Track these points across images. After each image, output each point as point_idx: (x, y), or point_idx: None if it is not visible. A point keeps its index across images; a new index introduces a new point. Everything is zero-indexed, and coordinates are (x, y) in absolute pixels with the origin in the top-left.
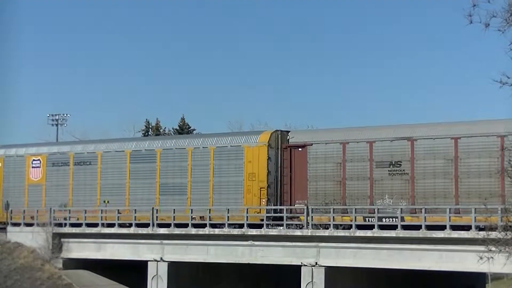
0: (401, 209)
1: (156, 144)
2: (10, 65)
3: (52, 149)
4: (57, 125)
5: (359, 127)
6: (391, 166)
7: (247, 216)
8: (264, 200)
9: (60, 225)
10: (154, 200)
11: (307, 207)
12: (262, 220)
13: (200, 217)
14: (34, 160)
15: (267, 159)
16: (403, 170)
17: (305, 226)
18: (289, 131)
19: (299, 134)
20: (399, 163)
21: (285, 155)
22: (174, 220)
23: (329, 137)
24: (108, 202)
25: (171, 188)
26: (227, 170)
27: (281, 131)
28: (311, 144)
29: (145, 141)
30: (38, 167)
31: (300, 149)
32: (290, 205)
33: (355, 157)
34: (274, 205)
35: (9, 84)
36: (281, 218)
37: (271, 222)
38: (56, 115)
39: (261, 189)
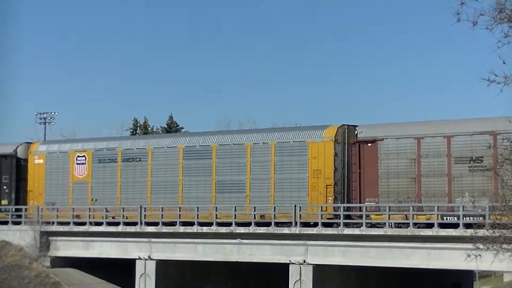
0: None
1: (212, 139)
2: None
3: (99, 145)
4: (45, 123)
5: (435, 121)
6: (472, 162)
7: (321, 215)
8: (330, 198)
9: (48, 223)
10: (210, 198)
11: (295, 206)
12: (330, 218)
13: (261, 216)
14: (79, 156)
15: (334, 155)
16: (485, 166)
17: (293, 224)
18: (357, 126)
19: (368, 128)
20: (480, 158)
21: (353, 150)
22: (235, 218)
23: (402, 132)
24: (96, 200)
25: (228, 186)
26: (289, 166)
27: (348, 125)
28: (382, 139)
29: (199, 137)
30: (83, 163)
31: (369, 144)
32: (359, 203)
33: (431, 153)
34: (341, 203)
35: None
36: (349, 217)
37: (338, 221)
38: (44, 113)
39: (328, 186)
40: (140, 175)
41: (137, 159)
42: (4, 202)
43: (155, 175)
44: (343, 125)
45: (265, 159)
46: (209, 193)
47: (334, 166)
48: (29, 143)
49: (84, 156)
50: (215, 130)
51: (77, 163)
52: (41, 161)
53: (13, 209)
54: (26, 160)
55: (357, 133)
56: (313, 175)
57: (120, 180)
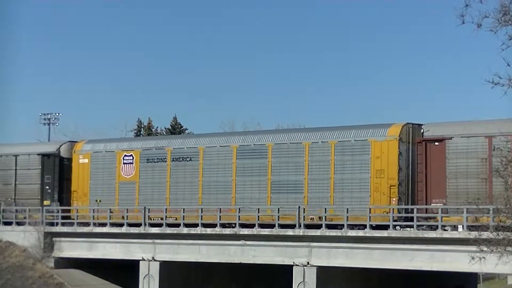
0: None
1: (267, 138)
2: (1, 64)
3: (147, 144)
4: (49, 124)
5: (507, 119)
6: None
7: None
8: (394, 199)
9: (52, 224)
10: (265, 199)
11: (299, 207)
12: (396, 220)
13: (319, 218)
14: (126, 155)
15: (398, 155)
16: None
17: (297, 225)
18: (423, 124)
19: (435, 127)
20: None
21: (419, 150)
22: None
23: (471, 130)
24: (100, 201)
25: (285, 186)
26: (350, 166)
27: (413, 124)
28: (450, 138)
29: (254, 135)
30: (130, 163)
31: (437, 143)
32: (426, 204)
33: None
34: (405, 205)
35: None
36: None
37: (402, 223)
38: (48, 114)
39: (391, 187)
40: (190, 175)
41: (188, 159)
42: (46, 202)
43: (207, 175)
44: (407, 123)
45: (324, 158)
46: (264, 194)
47: (398, 165)
48: (72, 142)
49: (131, 155)
50: (270, 129)
51: (124, 163)
52: (86, 160)
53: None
54: (69, 160)
55: (423, 132)
56: (375, 175)
57: (169, 180)
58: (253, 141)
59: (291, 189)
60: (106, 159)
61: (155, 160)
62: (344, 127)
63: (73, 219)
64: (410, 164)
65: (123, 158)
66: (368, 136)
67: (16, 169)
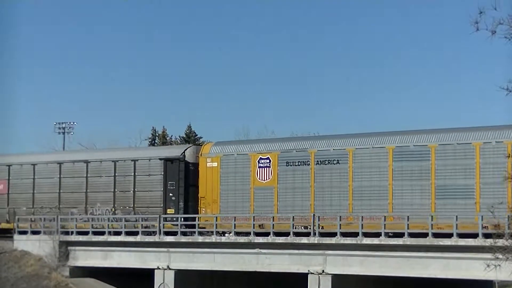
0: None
1: (429, 138)
2: (18, 73)
3: (286, 145)
4: (63, 133)
5: None
6: None
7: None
8: None
9: (67, 233)
10: (428, 205)
11: (314, 214)
12: None
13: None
14: (261, 158)
15: None
16: None
17: (312, 234)
18: None
19: None
20: None
21: None
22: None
23: None
24: (114, 210)
25: (452, 191)
26: None
27: None
28: None
29: (413, 135)
30: (267, 166)
31: None
32: None
33: None
34: None
35: (15, 92)
36: None
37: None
38: (62, 123)
39: None
40: (338, 180)
41: (335, 162)
42: (170, 211)
43: (358, 179)
44: None
45: (500, 160)
46: (427, 200)
47: None
48: (198, 145)
49: (268, 158)
50: (434, 128)
51: (259, 166)
52: (215, 164)
53: (181, 219)
54: (195, 164)
55: None
56: None
57: (313, 185)
58: (412, 141)
59: (459, 194)
60: (239, 162)
61: (296, 163)
62: None
63: (202, 227)
64: None
65: (258, 161)
66: None
67: (135, 175)
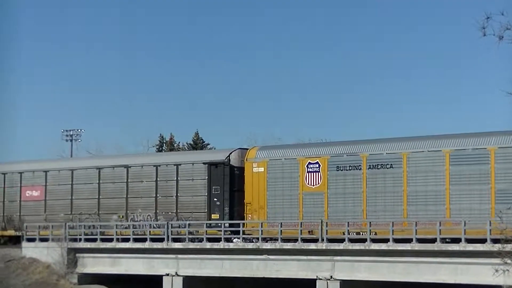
0: None
1: (489, 141)
2: (24, 80)
3: (336, 149)
4: (71, 140)
5: None
6: None
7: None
8: None
9: (75, 240)
10: (488, 210)
11: (321, 220)
12: None
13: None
14: (310, 163)
15: None
16: None
17: (320, 239)
18: None
19: None
20: None
21: None
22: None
23: None
24: (122, 217)
25: None
26: None
27: None
28: None
29: (470, 139)
30: (316, 171)
31: None
32: None
33: None
34: None
35: (22, 99)
36: None
37: None
38: (70, 130)
39: None
40: (392, 184)
41: (388, 166)
42: (214, 216)
43: (412, 184)
44: None
45: None
46: (486, 205)
47: None
48: (243, 149)
49: (317, 162)
50: (493, 131)
51: (308, 171)
52: (261, 169)
53: (226, 225)
54: (240, 169)
55: None
56: None
57: (365, 190)
58: (470, 145)
59: None
60: (286, 167)
61: (347, 168)
62: None
63: (248, 234)
64: None
65: (307, 166)
66: None
67: (177, 180)
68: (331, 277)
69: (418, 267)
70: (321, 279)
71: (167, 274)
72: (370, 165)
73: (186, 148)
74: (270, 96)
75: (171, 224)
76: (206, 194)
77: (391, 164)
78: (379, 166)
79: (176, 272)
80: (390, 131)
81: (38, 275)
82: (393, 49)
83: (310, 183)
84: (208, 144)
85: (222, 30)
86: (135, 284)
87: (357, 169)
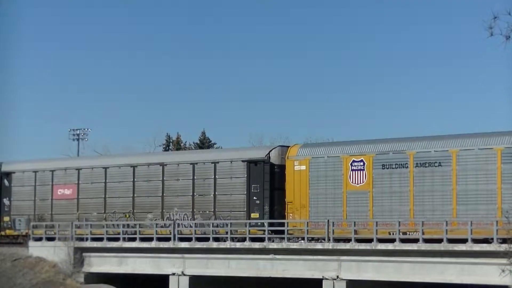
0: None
1: None
2: (31, 80)
3: (381, 147)
4: (78, 140)
5: None
6: None
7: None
8: None
9: (81, 239)
10: None
11: (328, 221)
12: None
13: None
14: (354, 161)
15: None
16: None
17: (326, 239)
18: None
19: None
20: None
21: None
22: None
23: None
24: (128, 216)
25: None
26: None
27: None
28: None
29: None
30: (361, 169)
31: None
32: None
33: None
34: None
35: (29, 99)
36: None
37: None
38: (77, 129)
39: None
40: (440, 183)
41: (436, 164)
42: (254, 215)
43: (462, 182)
44: None
45: None
46: None
47: None
48: (284, 147)
49: (361, 160)
50: None
51: (352, 169)
52: (303, 167)
53: (267, 224)
54: (281, 167)
55: None
56: None
57: (412, 189)
58: None
59: None
60: (329, 165)
61: (393, 166)
62: None
63: (291, 234)
64: None
65: (351, 164)
66: None
67: (215, 178)
68: (338, 277)
69: (425, 267)
70: (328, 279)
71: (174, 274)
72: (417, 163)
73: (193, 148)
74: (277, 96)
75: (211, 223)
76: (245, 192)
77: (440, 162)
78: (427, 164)
79: (182, 272)
80: (393, 131)
81: (44, 274)
82: (393, 48)
83: (354, 182)
84: (215, 144)
85: (227, 30)
86: (141, 284)
87: (403, 167)
